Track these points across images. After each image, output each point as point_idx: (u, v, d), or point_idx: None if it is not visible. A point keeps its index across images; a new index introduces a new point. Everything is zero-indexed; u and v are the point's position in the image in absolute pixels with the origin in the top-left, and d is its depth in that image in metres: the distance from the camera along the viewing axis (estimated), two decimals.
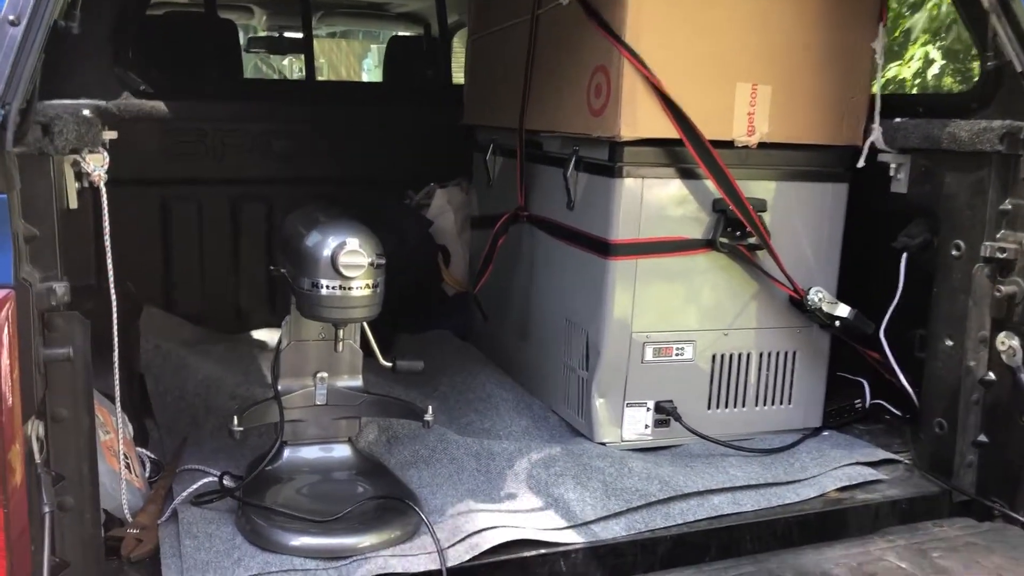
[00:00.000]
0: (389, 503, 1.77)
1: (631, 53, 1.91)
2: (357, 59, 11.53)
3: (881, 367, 2.25)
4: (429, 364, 2.02)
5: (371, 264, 1.65)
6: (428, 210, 3.07)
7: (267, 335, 2.96)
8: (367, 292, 1.67)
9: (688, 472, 1.99)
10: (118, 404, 1.76)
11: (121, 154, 2.82)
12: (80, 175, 1.60)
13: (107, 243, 1.61)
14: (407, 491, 1.85)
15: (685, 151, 2.02)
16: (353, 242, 1.63)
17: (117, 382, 1.70)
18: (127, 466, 1.86)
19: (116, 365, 1.69)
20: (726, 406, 2.20)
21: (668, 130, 1.98)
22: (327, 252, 1.65)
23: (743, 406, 2.22)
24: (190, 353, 2.51)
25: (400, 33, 4.71)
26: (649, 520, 1.82)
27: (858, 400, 2.39)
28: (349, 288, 1.65)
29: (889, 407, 2.37)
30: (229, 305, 3.10)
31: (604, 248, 2.05)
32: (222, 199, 3.05)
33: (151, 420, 2.21)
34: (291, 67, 8.94)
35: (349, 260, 1.62)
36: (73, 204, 1.59)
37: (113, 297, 1.63)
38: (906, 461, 2.16)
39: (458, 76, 3.98)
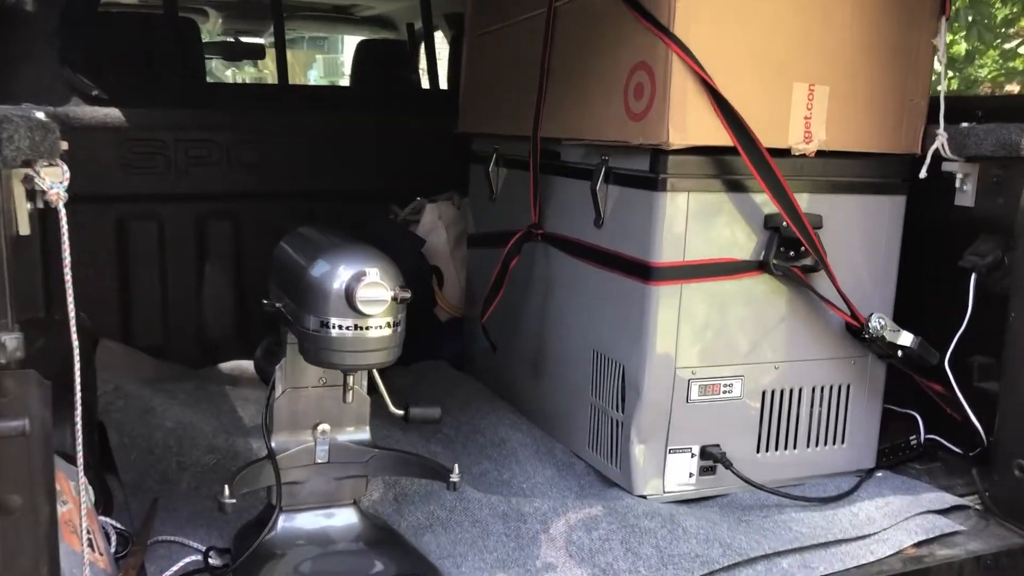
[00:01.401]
0: None
1: (681, 48, 1.65)
2: (302, 68, 11.19)
3: (943, 400, 2.01)
4: (427, 400, 1.73)
5: (394, 299, 1.36)
6: (417, 227, 2.78)
7: (237, 368, 2.64)
8: (387, 332, 1.38)
9: (747, 530, 1.73)
10: (81, 467, 1.43)
11: (72, 168, 2.52)
12: (33, 193, 1.29)
13: (68, 275, 1.29)
14: (427, 565, 1.56)
15: (734, 161, 1.77)
16: (373, 272, 1.34)
17: (80, 439, 1.39)
18: (90, 543, 1.54)
19: (79, 417, 1.37)
20: (776, 448, 1.95)
21: (720, 136, 1.72)
22: (340, 285, 1.35)
23: (794, 448, 1.97)
24: (155, 394, 2.19)
25: (370, 37, 4.42)
26: None
27: (912, 436, 2.16)
28: (366, 328, 1.36)
29: (946, 443, 2.14)
30: (194, 336, 2.77)
31: (644, 272, 1.78)
32: (186, 217, 2.72)
33: (114, 478, 1.88)
34: (241, 74, 8.58)
35: (369, 294, 1.33)
36: (24, 229, 1.28)
37: (74, 338, 1.32)
38: (976, 506, 1.92)
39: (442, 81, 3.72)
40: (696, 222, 1.78)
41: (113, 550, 1.63)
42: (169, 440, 1.97)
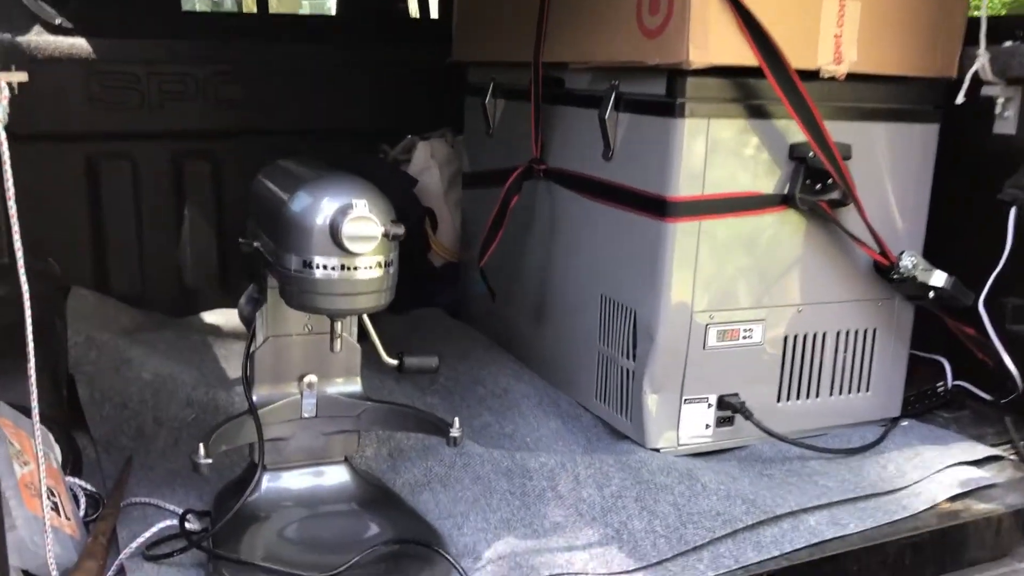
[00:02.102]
0: (406, 548, 1.34)
1: None
2: None
3: (975, 344, 1.88)
4: (422, 350, 1.59)
5: (385, 235, 1.20)
6: (408, 166, 2.61)
7: (221, 317, 2.49)
8: (378, 273, 1.23)
9: (770, 484, 1.60)
10: (36, 422, 1.28)
11: (36, 103, 2.34)
12: None
13: (12, 211, 1.13)
14: (425, 527, 1.43)
15: (758, 84, 1.61)
16: (361, 204, 1.18)
17: (34, 390, 1.24)
18: (55, 507, 1.40)
19: (32, 367, 1.22)
20: (797, 397, 1.82)
21: (744, 56, 1.56)
22: (324, 219, 1.19)
23: (816, 396, 1.84)
24: (131, 345, 2.04)
25: None
26: (738, 554, 1.42)
27: (940, 383, 2.03)
28: (354, 268, 1.20)
29: (976, 390, 2.01)
30: (173, 283, 2.61)
31: (659, 207, 1.63)
32: (161, 157, 2.55)
33: (85, 436, 1.74)
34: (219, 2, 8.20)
35: (356, 230, 1.18)
36: None
37: (23, 283, 1.16)
38: (1010, 456, 1.80)
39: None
40: (716, 152, 1.62)
41: (83, 513, 1.50)
42: (145, 394, 1.82)
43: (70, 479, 1.54)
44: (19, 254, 1.16)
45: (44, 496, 1.29)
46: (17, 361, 1.30)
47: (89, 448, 1.72)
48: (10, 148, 2.07)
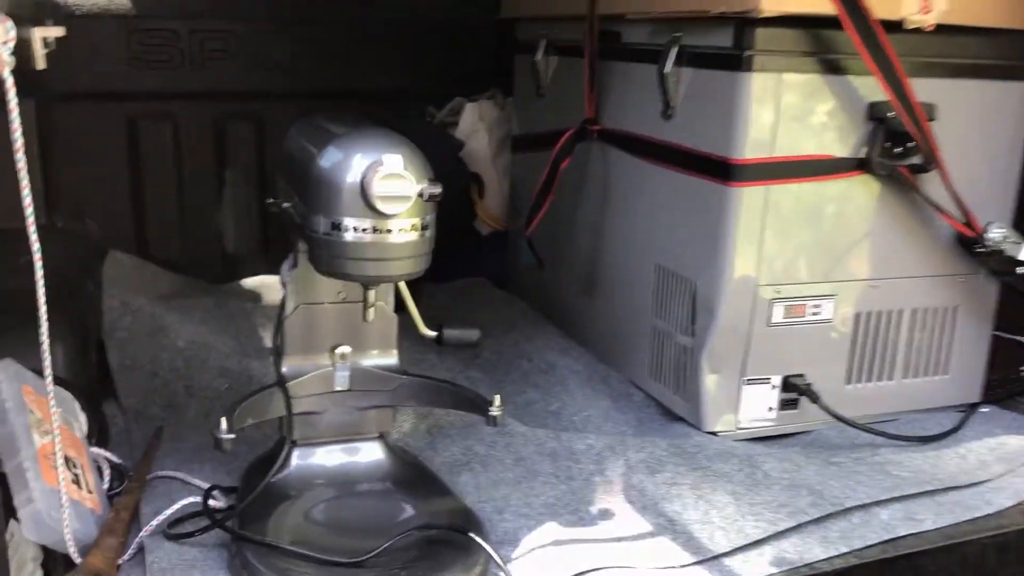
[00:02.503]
0: (442, 533, 1.25)
1: None
2: None
3: None
4: (465, 321, 1.49)
5: (420, 195, 1.10)
6: (455, 129, 2.50)
7: (263, 284, 2.41)
8: (413, 237, 1.12)
9: (838, 474, 1.48)
10: (50, 386, 1.20)
11: (75, 61, 2.28)
12: None
13: (20, 161, 1.05)
14: (465, 512, 1.33)
15: (834, 36, 1.46)
16: (394, 160, 1.08)
17: (47, 356, 1.15)
18: (75, 479, 1.33)
19: (44, 331, 1.14)
20: (868, 379, 1.68)
21: (820, 2, 1.41)
22: (355, 177, 1.09)
23: (889, 378, 1.70)
24: (167, 311, 1.96)
25: None
26: (804, 549, 1.30)
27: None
28: (387, 231, 1.10)
29: None
30: (214, 248, 2.54)
31: (723, 171, 1.50)
32: (203, 117, 2.47)
33: (115, 405, 1.68)
34: None
35: (388, 188, 1.07)
36: None
37: (33, 239, 1.08)
38: None
39: None
40: (787, 111, 1.48)
41: (107, 486, 1.43)
42: (177, 362, 1.75)
43: (95, 450, 1.47)
44: (28, 210, 1.07)
45: (60, 467, 1.22)
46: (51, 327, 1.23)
47: (119, 418, 1.65)
48: (49, 107, 2.00)
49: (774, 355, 1.59)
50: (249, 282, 2.43)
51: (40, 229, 1.95)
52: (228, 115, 2.49)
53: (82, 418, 1.50)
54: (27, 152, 1.58)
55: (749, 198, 1.49)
